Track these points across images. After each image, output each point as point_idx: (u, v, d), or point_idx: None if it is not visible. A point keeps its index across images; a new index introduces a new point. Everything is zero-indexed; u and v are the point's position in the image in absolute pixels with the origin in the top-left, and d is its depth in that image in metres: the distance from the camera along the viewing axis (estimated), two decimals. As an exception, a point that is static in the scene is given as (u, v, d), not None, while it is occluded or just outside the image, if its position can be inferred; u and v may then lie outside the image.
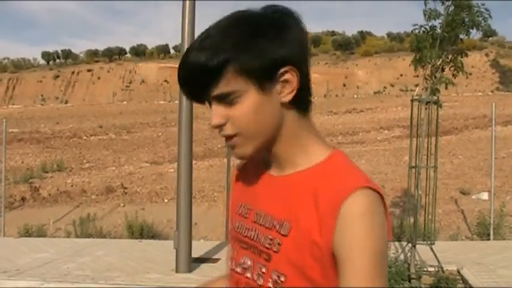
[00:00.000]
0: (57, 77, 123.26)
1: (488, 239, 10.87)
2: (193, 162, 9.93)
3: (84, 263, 9.63)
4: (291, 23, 1.32)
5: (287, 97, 1.30)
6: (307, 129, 1.37)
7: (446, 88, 8.08)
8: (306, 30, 1.34)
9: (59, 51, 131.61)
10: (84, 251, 10.61)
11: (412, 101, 8.20)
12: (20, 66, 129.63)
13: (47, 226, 13.32)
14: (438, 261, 7.99)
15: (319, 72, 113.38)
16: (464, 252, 9.70)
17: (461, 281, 8.03)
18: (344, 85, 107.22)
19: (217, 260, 9.74)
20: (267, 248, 1.34)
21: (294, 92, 1.29)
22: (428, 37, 7.86)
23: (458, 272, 8.41)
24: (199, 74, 1.25)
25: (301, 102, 1.34)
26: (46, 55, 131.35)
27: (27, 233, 12.57)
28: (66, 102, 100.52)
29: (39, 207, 16.52)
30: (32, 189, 18.26)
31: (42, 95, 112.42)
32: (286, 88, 1.29)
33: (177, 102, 9.77)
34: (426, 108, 8.05)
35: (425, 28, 7.92)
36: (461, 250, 9.94)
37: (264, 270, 1.34)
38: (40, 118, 51.95)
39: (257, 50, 1.25)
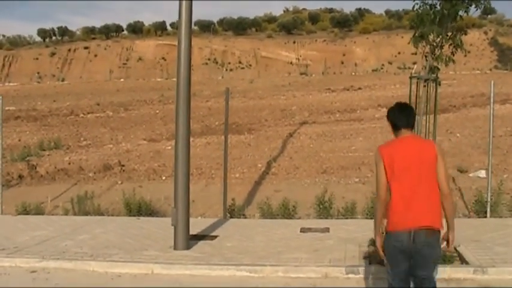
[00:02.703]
0: (53, 54, 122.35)
1: (486, 217, 10.90)
2: (191, 139, 9.91)
3: (83, 240, 9.65)
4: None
5: None
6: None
7: (446, 65, 8.06)
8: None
9: (55, 28, 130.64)
10: (82, 229, 10.63)
11: (410, 78, 8.18)
12: (16, 43, 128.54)
13: (45, 204, 13.32)
14: (435, 238, 8.01)
15: (317, 49, 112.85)
16: (462, 230, 9.70)
17: (458, 258, 8.07)
18: (342, 62, 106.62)
19: (215, 237, 9.77)
20: None
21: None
22: (429, 14, 7.82)
23: (455, 249, 8.44)
24: None
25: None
26: (42, 32, 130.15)
27: (25, 210, 12.58)
28: (63, 79, 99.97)
29: (37, 185, 16.51)
30: (30, 167, 18.24)
31: (38, 73, 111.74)
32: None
33: (174, 79, 9.73)
34: (425, 86, 8.03)
35: (426, 5, 7.88)
36: (458, 227, 9.86)
37: None
38: (37, 96, 51.75)
39: None
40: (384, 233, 4.98)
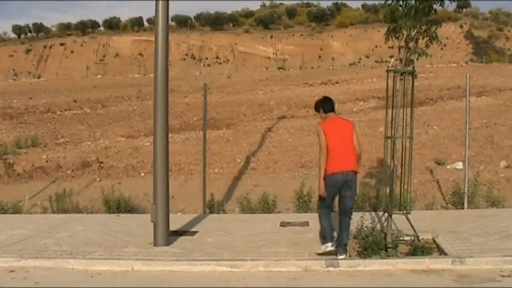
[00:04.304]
0: (29, 51, 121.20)
1: (463, 208, 11.04)
2: (170, 135, 9.89)
3: (62, 238, 9.59)
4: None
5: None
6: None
7: (417, 59, 8.11)
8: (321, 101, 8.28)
9: (30, 25, 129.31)
10: (61, 227, 10.57)
11: (387, 71, 8.22)
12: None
13: (23, 202, 13.20)
14: (414, 230, 8.10)
15: (295, 44, 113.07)
16: (440, 221, 9.85)
17: (436, 249, 8.16)
18: (319, 57, 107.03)
19: (195, 232, 9.77)
20: None
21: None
22: (402, 7, 7.84)
23: (434, 240, 8.55)
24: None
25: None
26: (17, 29, 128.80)
27: (2, 209, 12.47)
28: (39, 76, 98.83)
29: (14, 183, 16.36)
30: (6, 166, 18.05)
31: (14, 70, 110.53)
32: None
33: (151, 75, 9.70)
34: (401, 79, 8.08)
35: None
36: (436, 219, 10.08)
37: None
38: (12, 93, 51.11)
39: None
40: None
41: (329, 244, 7.88)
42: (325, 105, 8.08)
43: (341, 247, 7.80)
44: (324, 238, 8.14)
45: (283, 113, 27.99)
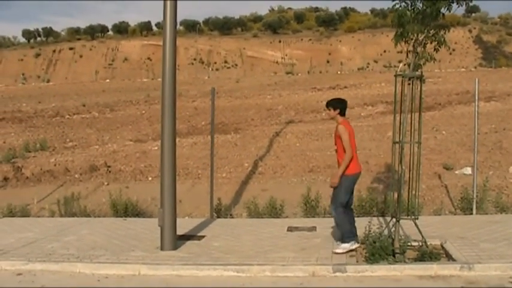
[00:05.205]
0: (38, 55, 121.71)
1: (471, 214, 10.98)
2: (177, 139, 9.89)
3: (69, 242, 9.60)
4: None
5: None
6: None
7: (424, 64, 8.08)
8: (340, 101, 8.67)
9: (40, 29, 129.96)
10: (69, 230, 10.58)
11: (395, 76, 8.19)
12: (0, 44, 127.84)
13: (31, 206, 13.25)
14: (422, 235, 8.06)
15: (303, 48, 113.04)
16: (448, 227, 9.80)
17: (444, 255, 8.11)
18: (328, 61, 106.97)
19: (202, 237, 9.76)
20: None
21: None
22: (410, 12, 7.82)
23: (442, 246, 8.50)
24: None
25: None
26: (27, 33, 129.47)
27: (10, 213, 12.50)
28: (48, 81, 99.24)
29: (23, 187, 16.41)
30: (15, 169, 18.11)
31: (23, 74, 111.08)
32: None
33: (160, 79, 9.70)
34: (409, 84, 8.05)
35: (406, 2, 7.88)
36: (444, 224, 10.03)
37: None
38: (22, 97, 51.36)
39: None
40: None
41: (353, 241, 8.35)
42: (344, 107, 8.57)
43: (357, 237, 8.46)
44: (346, 237, 8.35)
45: (291, 118, 27.98)
